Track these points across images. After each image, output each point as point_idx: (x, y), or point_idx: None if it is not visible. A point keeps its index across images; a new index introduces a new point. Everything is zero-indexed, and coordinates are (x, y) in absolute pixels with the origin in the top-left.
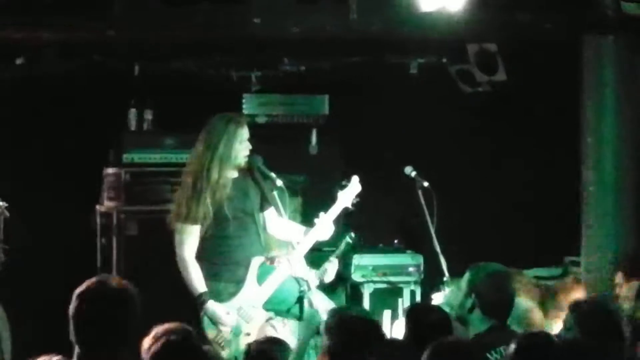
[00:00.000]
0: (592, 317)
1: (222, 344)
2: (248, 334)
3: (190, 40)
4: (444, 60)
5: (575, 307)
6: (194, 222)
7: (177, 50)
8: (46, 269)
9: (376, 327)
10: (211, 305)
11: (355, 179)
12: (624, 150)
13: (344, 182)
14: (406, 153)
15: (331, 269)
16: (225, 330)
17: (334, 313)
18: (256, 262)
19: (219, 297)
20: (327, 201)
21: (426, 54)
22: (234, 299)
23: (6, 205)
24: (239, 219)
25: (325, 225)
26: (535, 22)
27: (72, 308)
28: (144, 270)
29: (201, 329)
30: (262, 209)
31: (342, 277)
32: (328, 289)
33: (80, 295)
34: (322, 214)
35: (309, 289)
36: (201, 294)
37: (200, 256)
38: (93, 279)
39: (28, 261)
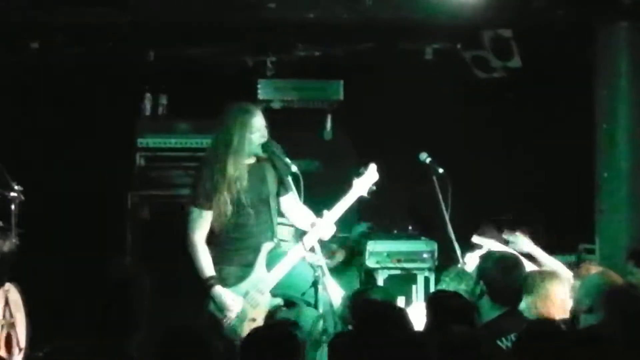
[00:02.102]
0: (620, 303)
1: (227, 329)
2: (254, 320)
3: (205, 26)
4: (459, 46)
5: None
6: (208, 208)
7: (192, 36)
8: (59, 252)
9: (398, 313)
10: (218, 289)
11: (372, 167)
12: (638, 136)
13: (360, 170)
14: (421, 139)
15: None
16: (231, 315)
17: (357, 295)
18: (266, 247)
19: (228, 281)
20: (342, 186)
21: (441, 40)
22: (242, 284)
23: (21, 189)
24: (253, 207)
25: (327, 225)
26: (550, 8)
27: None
28: (157, 254)
29: (207, 312)
30: (279, 194)
31: (356, 262)
32: (341, 275)
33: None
34: (325, 212)
35: (324, 274)
36: (208, 278)
37: (212, 241)
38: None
39: (41, 245)
